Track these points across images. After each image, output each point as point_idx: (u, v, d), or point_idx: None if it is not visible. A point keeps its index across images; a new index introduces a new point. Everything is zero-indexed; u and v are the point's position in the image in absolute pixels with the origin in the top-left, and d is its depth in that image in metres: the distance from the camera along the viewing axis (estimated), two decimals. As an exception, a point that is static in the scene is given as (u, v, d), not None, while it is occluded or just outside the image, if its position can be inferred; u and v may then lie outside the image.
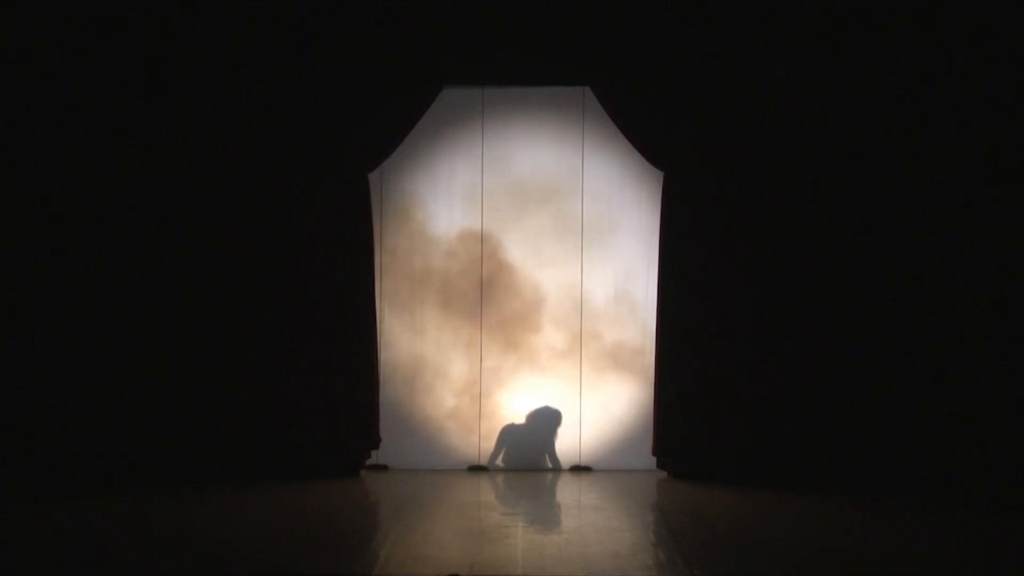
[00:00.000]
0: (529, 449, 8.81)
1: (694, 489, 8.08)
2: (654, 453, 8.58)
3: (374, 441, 8.57)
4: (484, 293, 8.86)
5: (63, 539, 6.38)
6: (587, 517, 7.20)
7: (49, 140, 8.12)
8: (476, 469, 8.77)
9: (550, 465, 8.81)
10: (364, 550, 6.16)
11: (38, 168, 8.11)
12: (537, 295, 8.89)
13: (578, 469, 8.78)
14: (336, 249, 8.45)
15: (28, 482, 7.81)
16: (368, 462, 8.65)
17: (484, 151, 8.87)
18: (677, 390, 8.39)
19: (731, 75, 8.32)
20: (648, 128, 8.56)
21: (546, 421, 8.78)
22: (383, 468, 8.75)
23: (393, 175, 8.86)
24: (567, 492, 8.10)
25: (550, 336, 8.87)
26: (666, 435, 8.46)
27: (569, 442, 8.83)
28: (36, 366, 8.05)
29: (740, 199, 8.39)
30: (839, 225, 8.29)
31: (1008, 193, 8.12)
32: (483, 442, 8.82)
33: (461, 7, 8.31)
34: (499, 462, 8.81)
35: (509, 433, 8.81)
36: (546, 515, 7.35)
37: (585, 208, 8.86)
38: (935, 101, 8.19)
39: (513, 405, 8.85)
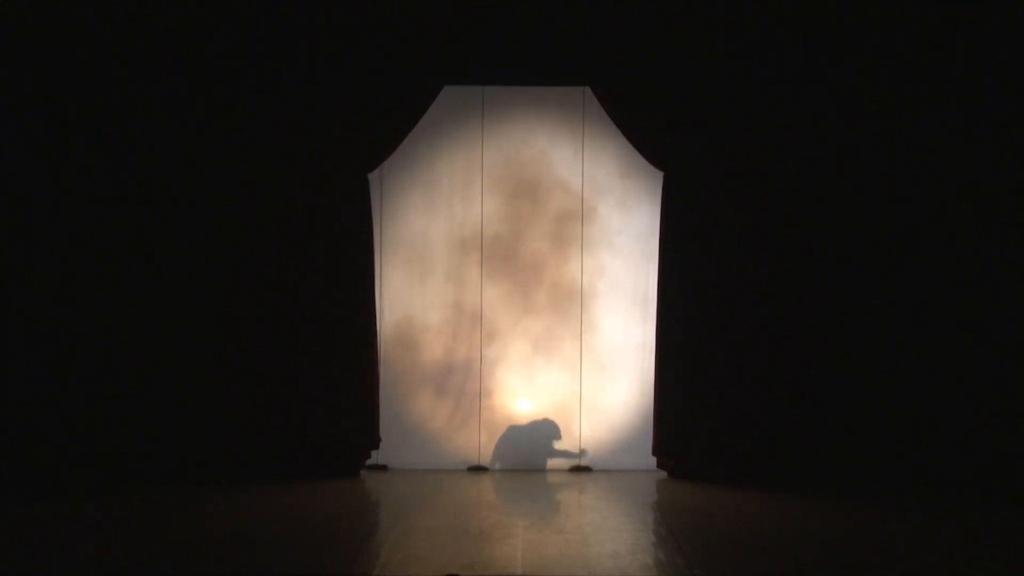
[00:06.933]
0: (529, 450, 8.82)
1: (694, 489, 8.07)
2: (654, 453, 8.58)
3: (374, 441, 8.57)
4: (484, 293, 8.86)
5: (64, 539, 6.39)
6: (587, 517, 7.21)
7: (50, 139, 8.12)
8: (476, 469, 8.78)
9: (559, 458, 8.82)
10: (364, 550, 6.17)
11: (39, 167, 8.11)
12: (537, 294, 8.88)
13: (578, 469, 8.78)
14: (336, 249, 8.45)
15: (28, 482, 7.82)
16: (368, 462, 8.65)
17: (484, 150, 8.87)
18: (677, 390, 8.39)
19: (731, 75, 8.31)
20: (648, 128, 8.56)
21: (547, 431, 8.80)
22: (383, 468, 8.75)
23: (393, 175, 8.86)
24: (567, 492, 8.10)
25: (550, 336, 8.86)
26: (666, 435, 8.46)
27: (569, 442, 8.82)
28: (38, 366, 8.07)
29: (740, 199, 8.39)
30: (839, 225, 8.29)
31: (1009, 193, 8.13)
32: (483, 442, 8.82)
33: (462, 6, 8.30)
34: (498, 464, 8.82)
35: (511, 435, 8.82)
36: (546, 515, 7.35)
37: (585, 208, 8.85)
38: (936, 100, 8.19)
39: (513, 406, 8.85)
